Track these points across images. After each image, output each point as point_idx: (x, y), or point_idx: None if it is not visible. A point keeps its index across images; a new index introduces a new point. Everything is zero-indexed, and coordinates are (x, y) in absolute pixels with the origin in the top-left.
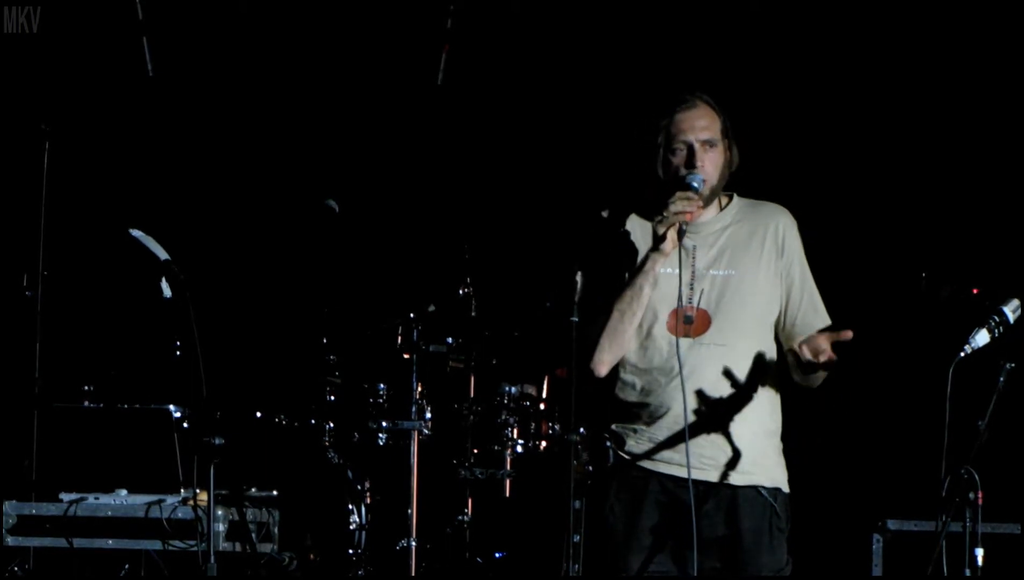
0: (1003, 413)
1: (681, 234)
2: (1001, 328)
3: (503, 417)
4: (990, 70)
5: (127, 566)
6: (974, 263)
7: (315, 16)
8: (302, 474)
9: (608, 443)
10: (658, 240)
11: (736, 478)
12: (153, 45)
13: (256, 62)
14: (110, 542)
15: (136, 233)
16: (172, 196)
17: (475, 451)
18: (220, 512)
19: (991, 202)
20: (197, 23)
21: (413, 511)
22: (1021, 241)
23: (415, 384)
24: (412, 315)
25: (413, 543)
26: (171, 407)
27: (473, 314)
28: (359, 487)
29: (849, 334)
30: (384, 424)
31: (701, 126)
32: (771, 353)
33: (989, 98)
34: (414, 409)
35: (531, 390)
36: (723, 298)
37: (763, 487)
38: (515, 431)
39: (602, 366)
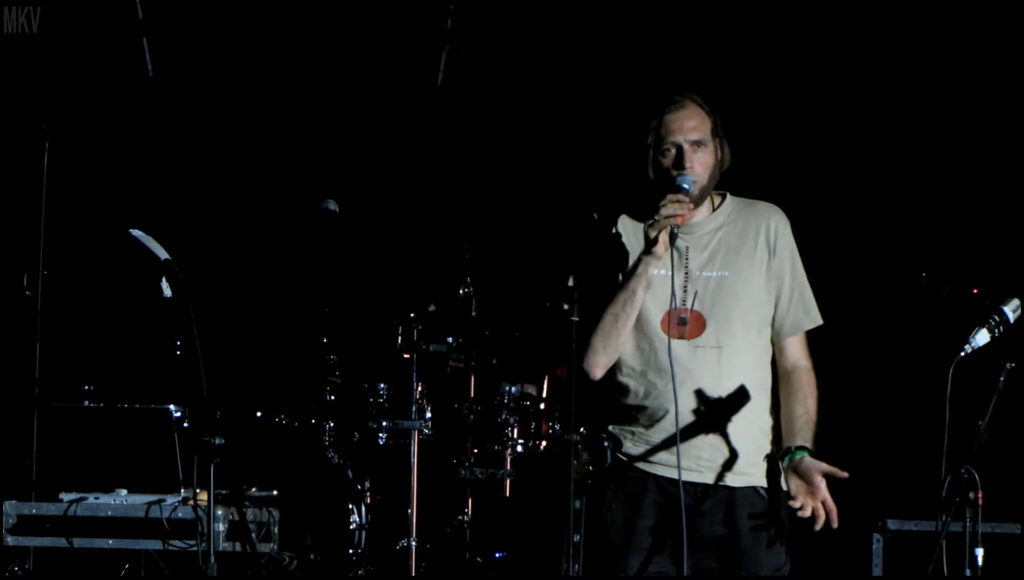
0: (1003, 413)
1: (673, 237)
2: (1001, 328)
3: (503, 417)
4: (990, 70)
5: (127, 566)
6: (974, 263)
7: (315, 16)
8: (302, 474)
9: (606, 444)
10: (650, 243)
11: (734, 479)
12: (153, 45)
13: (256, 62)
14: (110, 542)
15: (136, 233)
16: (172, 196)
17: (475, 451)
18: (220, 512)
19: (991, 202)
20: (197, 23)
21: (413, 511)
22: (1021, 241)
23: (415, 384)
24: (412, 315)
25: (413, 543)
26: (171, 407)
27: (473, 314)
28: (359, 487)
29: (844, 474)
30: (384, 424)
31: (690, 127)
32: (767, 353)
33: (989, 98)
34: (414, 409)
35: (531, 390)
36: (717, 300)
37: (761, 487)
38: (515, 431)
39: (597, 369)
